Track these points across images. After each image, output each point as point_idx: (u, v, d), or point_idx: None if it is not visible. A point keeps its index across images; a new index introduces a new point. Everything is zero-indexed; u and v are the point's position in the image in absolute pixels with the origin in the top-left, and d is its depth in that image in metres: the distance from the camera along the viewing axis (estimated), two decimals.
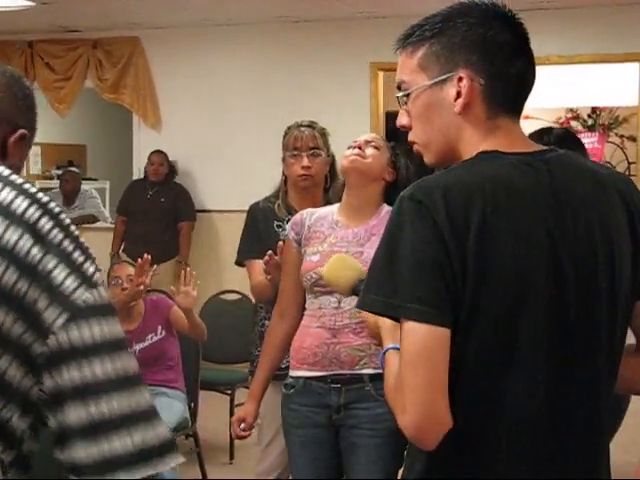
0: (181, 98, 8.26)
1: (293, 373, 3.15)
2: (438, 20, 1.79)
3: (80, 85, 8.45)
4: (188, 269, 4.44)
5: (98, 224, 8.49)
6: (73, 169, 9.39)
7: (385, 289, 1.58)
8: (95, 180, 10.79)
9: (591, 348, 1.66)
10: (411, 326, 1.54)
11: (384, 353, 1.76)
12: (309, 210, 3.29)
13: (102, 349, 1.33)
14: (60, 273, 1.32)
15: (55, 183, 9.48)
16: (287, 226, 3.30)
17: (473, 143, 1.70)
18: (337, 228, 3.16)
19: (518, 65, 1.70)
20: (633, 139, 8.52)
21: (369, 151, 3.17)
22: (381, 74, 7.88)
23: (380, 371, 2.98)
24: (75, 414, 1.31)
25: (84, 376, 1.31)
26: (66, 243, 1.35)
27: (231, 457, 5.60)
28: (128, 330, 4.66)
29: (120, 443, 1.32)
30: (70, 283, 1.32)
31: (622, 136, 9.65)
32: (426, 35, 1.80)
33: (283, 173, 3.79)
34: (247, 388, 4.14)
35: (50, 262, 1.32)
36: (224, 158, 8.09)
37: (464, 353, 1.58)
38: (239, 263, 3.85)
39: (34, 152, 10.37)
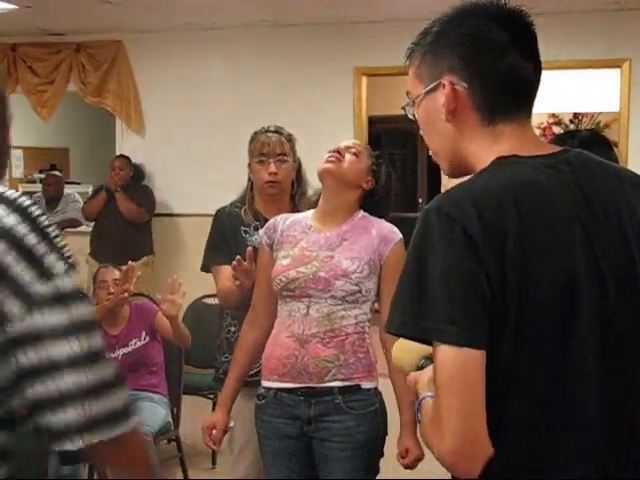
0: (164, 102, 8.24)
1: (264, 384, 3.11)
2: (431, 25, 1.74)
3: (63, 89, 8.42)
4: (175, 276, 4.43)
5: (81, 228, 8.46)
6: (56, 173, 9.36)
7: (415, 311, 1.49)
8: (78, 184, 10.75)
9: (638, 346, 1.60)
10: (444, 349, 1.46)
11: (420, 402, 1.68)
12: (284, 215, 3.26)
13: (58, 334, 1.40)
14: (17, 266, 1.39)
15: (38, 187, 9.45)
16: (261, 231, 3.25)
17: (481, 151, 1.65)
18: (309, 232, 3.13)
19: (506, 64, 1.63)
20: (614, 145, 8.55)
21: (347, 157, 3.13)
22: (365, 79, 7.88)
23: (349, 383, 3.00)
24: (34, 392, 1.41)
25: (40, 358, 1.39)
26: (29, 237, 1.41)
27: (213, 462, 5.60)
28: (112, 335, 4.66)
29: (75, 413, 1.42)
30: (26, 276, 1.39)
31: None
32: (421, 43, 1.74)
33: (249, 178, 3.75)
34: None
35: (8, 256, 1.39)
36: (207, 162, 8.07)
37: (510, 368, 1.50)
38: (205, 269, 3.77)
39: (16, 156, 10.33)
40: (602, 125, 9.62)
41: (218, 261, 3.64)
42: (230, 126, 8.01)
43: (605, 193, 1.62)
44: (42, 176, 9.67)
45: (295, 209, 3.43)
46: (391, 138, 11.45)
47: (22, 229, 1.41)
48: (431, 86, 1.69)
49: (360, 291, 3.01)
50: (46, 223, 1.45)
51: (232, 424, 3.31)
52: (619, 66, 7.29)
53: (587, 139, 3.17)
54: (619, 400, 1.59)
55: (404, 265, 1.55)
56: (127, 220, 7.55)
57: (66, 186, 9.19)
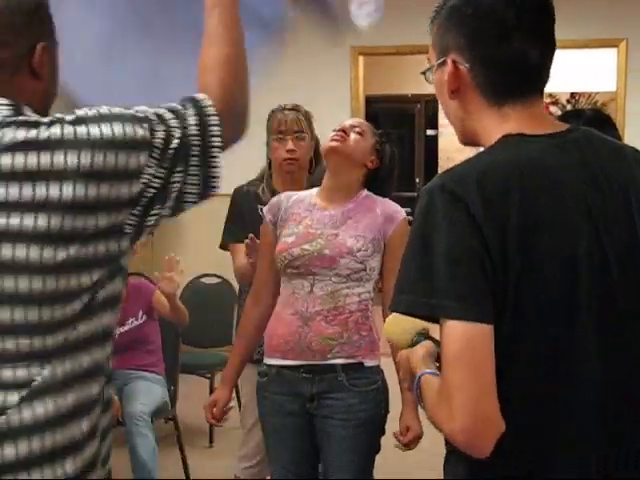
0: None
1: (267, 361, 3.13)
2: None
3: None
4: (172, 254, 4.44)
5: None
6: None
7: (420, 288, 1.49)
8: None
9: None
10: (452, 325, 1.45)
11: (419, 379, 1.66)
12: (287, 193, 3.27)
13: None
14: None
15: None
16: (264, 208, 3.27)
17: (488, 130, 1.64)
18: (314, 210, 3.14)
19: (509, 48, 1.60)
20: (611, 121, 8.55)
21: (352, 136, 3.14)
22: (362, 58, 7.87)
23: (352, 361, 3.02)
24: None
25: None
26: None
27: (211, 441, 5.62)
28: None
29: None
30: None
31: None
32: (436, 15, 1.70)
33: (267, 157, 3.78)
34: None
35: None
36: None
37: (511, 348, 1.49)
38: (223, 246, 3.85)
39: None
40: (599, 104, 9.61)
41: (235, 239, 3.69)
42: None
43: (610, 171, 1.61)
44: None
45: (313, 186, 3.45)
46: (388, 118, 11.44)
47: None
48: (439, 61, 1.68)
49: (365, 269, 3.03)
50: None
51: (233, 404, 3.33)
52: (616, 46, 7.28)
53: (591, 118, 3.17)
54: (622, 381, 1.57)
55: (408, 243, 1.54)
56: None
57: None
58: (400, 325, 1.82)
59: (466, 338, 1.45)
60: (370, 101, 9.01)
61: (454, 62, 1.65)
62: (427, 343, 1.77)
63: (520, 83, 1.63)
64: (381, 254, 3.07)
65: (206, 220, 8.09)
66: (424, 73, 1.75)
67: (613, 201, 1.59)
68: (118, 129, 1.48)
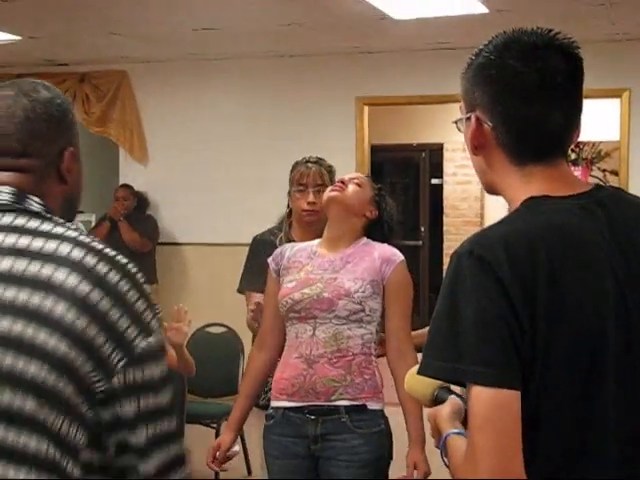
0: (168, 132, 8.29)
1: (273, 404, 3.19)
2: (476, 54, 1.69)
3: None
4: (181, 305, 4.45)
5: None
6: None
7: (448, 352, 1.49)
8: (81, 212, 10.76)
9: None
10: (479, 390, 1.45)
11: (445, 439, 1.66)
12: (291, 244, 3.38)
13: (151, 388, 1.51)
14: (124, 323, 1.48)
15: None
16: (269, 259, 3.34)
17: (513, 190, 1.63)
18: (314, 257, 3.23)
19: (530, 112, 1.60)
20: (615, 173, 8.58)
21: (351, 187, 3.26)
22: (366, 108, 7.93)
23: (355, 403, 3.05)
24: (133, 437, 1.50)
25: (136, 409, 1.49)
26: (130, 294, 1.50)
27: None
28: None
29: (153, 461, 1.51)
30: (131, 332, 1.48)
31: (604, 170, 9.74)
32: (467, 66, 1.71)
33: (288, 206, 3.85)
34: None
35: (116, 313, 1.47)
36: (211, 191, 8.10)
37: (538, 412, 1.50)
38: (240, 292, 3.95)
39: None
40: (603, 154, 9.66)
41: (251, 287, 3.80)
42: (232, 155, 8.05)
43: (635, 233, 1.61)
44: None
45: None
46: (393, 167, 11.50)
47: (124, 286, 1.50)
48: (465, 117, 1.69)
49: (363, 310, 3.09)
50: (142, 280, 1.54)
51: (237, 448, 3.34)
52: (619, 96, 7.33)
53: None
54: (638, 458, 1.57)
55: (437, 307, 1.55)
56: (130, 250, 7.57)
57: None
58: (421, 379, 1.80)
59: (493, 404, 1.45)
60: (375, 150, 9.06)
61: (478, 119, 1.65)
62: (453, 400, 1.76)
63: (542, 145, 1.63)
64: (381, 296, 3.14)
65: (211, 269, 8.14)
66: (456, 122, 1.74)
67: (637, 264, 1.58)
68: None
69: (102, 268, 1.49)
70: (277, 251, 3.33)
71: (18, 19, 6.50)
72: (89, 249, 1.51)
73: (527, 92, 1.60)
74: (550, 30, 1.65)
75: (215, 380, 5.86)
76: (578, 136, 1.70)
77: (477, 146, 1.66)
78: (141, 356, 1.48)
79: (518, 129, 1.62)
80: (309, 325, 3.11)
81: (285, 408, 3.13)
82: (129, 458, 1.49)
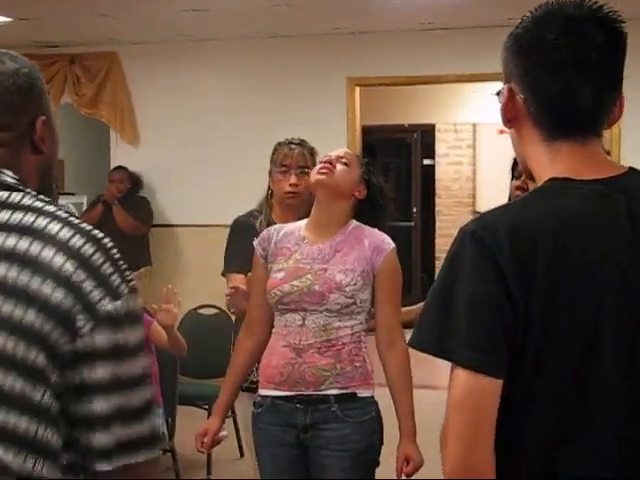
0: (159, 113, 8.26)
1: (261, 392, 3.15)
2: (516, 26, 1.64)
3: (58, 100, 8.42)
4: (170, 286, 4.44)
5: None
6: None
7: (438, 329, 1.49)
8: (72, 195, 10.73)
9: None
10: (460, 373, 1.46)
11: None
12: (277, 226, 3.30)
13: (118, 354, 1.47)
14: (88, 285, 1.46)
15: None
16: (255, 242, 3.28)
17: (539, 167, 1.61)
18: (303, 244, 3.15)
19: (559, 85, 1.56)
20: (607, 153, 8.58)
21: (339, 167, 3.16)
22: (358, 89, 7.91)
23: (345, 391, 3.03)
24: (97, 405, 1.46)
25: (103, 374, 1.46)
26: (95, 257, 1.48)
27: (208, 472, 5.59)
28: None
29: (109, 436, 1.46)
30: (96, 294, 1.46)
31: None
32: (505, 42, 1.66)
33: (269, 187, 3.80)
34: None
35: (80, 275, 1.45)
36: (202, 172, 8.08)
37: (528, 400, 1.49)
38: (223, 275, 3.91)
39: None
40: None
41: (231, 269, 3.77)
42: (224, 136, 8.03)
43: None
44: None
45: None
46: (385, 147, 11.47)
47: (89, 249, 1.48)
48: (500, 89, 1.66)
49: (355, 303, 3.04)
50: (110, 246, 1.52)
51: (224, 433, 3.33)
52: None
53: None
54: (638, 444, 1.54)
55: (435, 282, 1.55)
56: (124, 232, 7.55)
57: (60, 197, 9.15)
58: None
59: (470, 388, 1.46)
60: (367, 131, 9.04)
61: (510, 91, 1.63)
62: None
63: (570, 121, 1.59)
64: (371, 286, 3.09)
65: (204, 251, 8.12)
66: (497, 94, 1.69)
67: None
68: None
69: (66, 233, 1.48)
70: (263, 235, 3.26)
71: (8, 1, 6.46)
72: (50, 215, 1.50)
73: (557, 65, 1.56)
74: (595, 2, 1.59)
75: (207, 362, 5.85)
76: (619, 116, 1.64)
77: (510, 119, 1.64)
78: (106, 319, 1.45)
79: (547, 102, 1.59)
80: (298, 315, 3.06)
81: (273, 397, 3.09)
82: (87, 431, 1.46)
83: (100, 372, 1.45)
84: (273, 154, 3.79)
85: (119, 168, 7.97)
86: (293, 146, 3.75)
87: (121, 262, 1.52)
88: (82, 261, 1.46)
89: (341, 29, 7.57)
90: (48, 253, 1.45)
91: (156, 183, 8.24)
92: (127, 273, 1.52)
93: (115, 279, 1.49)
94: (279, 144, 3.80)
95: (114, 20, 7.16)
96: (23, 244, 1.46)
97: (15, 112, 1.59)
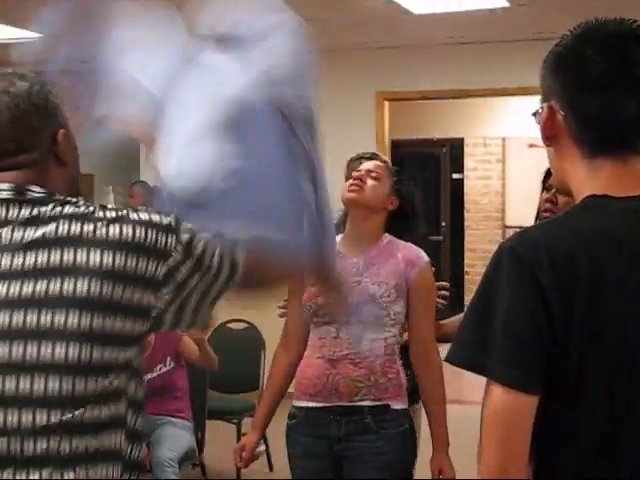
0: None
1: (295, 403, 3.16)
2: (557, 43, 1.62)
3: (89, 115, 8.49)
4: None
5: None
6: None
7: (475, 346, 1.48)
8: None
9: None
10: (496, 389, 1.45)
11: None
12: None
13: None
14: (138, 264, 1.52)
15: None
16: None
17: (578, 184, 1.59)
18: (338, 258, 3.13)
19: (603, 101, 1.54)
20: None
21: (369, 182, 3.16)
22: (387, 103, 7.91)
23: (379, 403, 3.03)
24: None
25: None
26: (152, 216, 1.58)
27: None
28: None
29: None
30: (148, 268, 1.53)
31: None
32: (545, 60, 1.65)
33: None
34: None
35: (129, 260, 1.51)
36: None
37: (569, 416, 1.48)
38: None
39: None
40: None
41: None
42: None
43: None
44: None
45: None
46: (414, 162, 11.46)
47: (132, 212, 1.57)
48: (540, 107, 1.64)
49: (388, 315, 3.06)
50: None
51: (262, 448, 3.33)
52: None
53: None
54: None
55: (472, 298, 1.54)
56: None
57: None
58: None
59: (505, 405, 1.45)
60: (396, 145, 9.03)
61: (550, 108, 1.61)
62: None
63: (613, 138, 1.57)
64: (405, 299, 3.09)
65: None
66: (534, 115, 1.68)
67: None
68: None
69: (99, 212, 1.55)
70: None
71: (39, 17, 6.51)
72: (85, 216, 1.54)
73: (601, 81, 1.54)
74: (635, 21, 1.58)
75: (236, 376, 5.86)
76: None
77: (549, 137, 1.62)
78: (188, 243, 1.55)
79: (588, 119, 1.56)
80: (332, 327, 3.08)
81: (308, 408, 3.10)
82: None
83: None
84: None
85: (138, 182, 8.00)
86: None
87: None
88: (143, 223, 1.54)
89: (370, 44, 7.58)
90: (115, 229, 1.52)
91: None
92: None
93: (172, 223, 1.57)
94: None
95: None
96: (85, 227, 1.52)
97: (37, 132, 1.61)
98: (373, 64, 7.77)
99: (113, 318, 1.48)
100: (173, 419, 4.75)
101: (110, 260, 1.48)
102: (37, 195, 1.55)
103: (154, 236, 1.53)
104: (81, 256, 1.47)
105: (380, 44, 7.59)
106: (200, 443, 5.05)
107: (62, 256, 1.47)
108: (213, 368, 4.82)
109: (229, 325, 6.24)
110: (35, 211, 1.53)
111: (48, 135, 1.62)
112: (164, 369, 4.74)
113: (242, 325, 6.19)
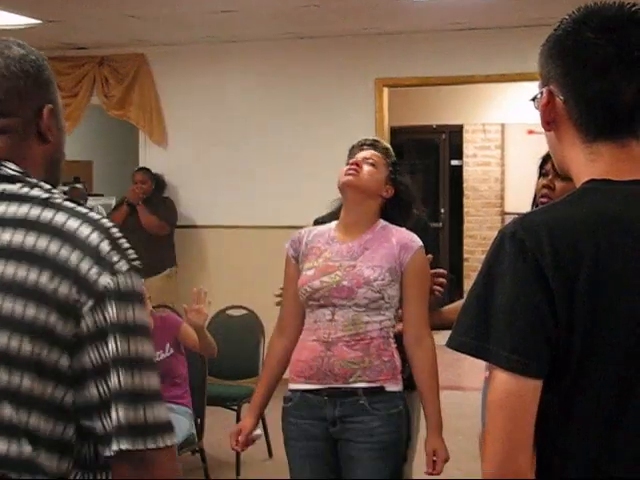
0: (187, 115, 8.29)
1: (291, 386, 3.20)
2: (556, 26, 1.62)
3: (86, 102, 8.49)
4: (200, 287, 4.46)
5: None
6: (78, 185, 9.42)
7: (477, 331, 1.48)
8: (101, 196, 10.82)
9: None
10: (500, 374, 1.45)
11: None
12: (308, 228, 3.35)
13: (123, 331, 1.43)
14: (84, 265, 1.43)
15: None
16: (287, 244, 3.31)
17: (578, 168, 1.59)
18: (332, 243, 3.21)
19: (602, 85, 1.54)
20: None
21: (365, 168, 3.22)
22: (386, 90, 7.90)
23: (373, 385, 3.06)
24: (94, 390, 1.43)
25: (104, 354, 1.43)
26: (92, 237, 1.45)
27: (237, 473, 5.60)
28: None
29: (121, 414, 1.42)
30: (94, 272, 1.43)
31: None
32: (545, 41, 1.64)
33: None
34: None
35: (76, 258, 1.43)
36: (230, 173, 8.10)
37: (571, 404, 1.47)
38: None
39: None
40: None
41: None
42: (252, 138, 8.05)
43: None
44: (65, 189, 9.73)
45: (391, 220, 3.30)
46: (413, 148, 11.46)
47: (84, 230, 1.45)
48: (539, 92, 1.64)
49: (382, 298, 3.10)
50: (109, 225, 1.49)
51: (259, 432, 3.36)
52: None
53: None
54: None
55: (473, 283, 1.54)
56: (149, 233, 7.59)
57: (90, 198, 9.24)
58: None
59: (508, 389, 1.45)
60: (395, 132, 9.03)
61: (550, 93, 1.60)
62: None
63: (611, 121, 1.57)
64: (399, 282, 3.14)
65: (231, 252, 8.15)
66: (533, 100, 1.68)
67: None
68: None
69: (60, 218, 1.46)
70: (295, 237, 3.29)
71: (37, 2, 6.50)
72: (42, 203, 1.49)
73: (600, 64, 1.54)
74: (634, 5, 1.57)
75: (236, 362, 5.87)
76: None
77: (549, 121, 1.62)
78: (105, 295, 1.42)
79: (588, 102, 1.56)
80: (328, 310, 3.11)
81: (303, 390, 3.14)
82: (100, 413, 1.42)
83: (107, 349, 1.41)
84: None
85: (142, 169, 8.01)
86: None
87: (122, 241, 1.49)
88: (77, 244, 1.44)
89: (369, 30, 7.56)
90: (42, 242, 1.43)
91: (183, 184, 8.26)
92: (129, 252, 1.49)
93: (113, 256, 1.45)
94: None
95: (142, 22, 7.20)
96: (18, 237, 1.44)
97: (21, 98, 1.57)
98: (372, 51, 7.76)
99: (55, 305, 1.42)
100: (173, 405, 4.75)
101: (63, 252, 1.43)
102: (10, 172, 1.52)
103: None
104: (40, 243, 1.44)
105: (379, 30, 7.57)
106: (200, 429, 5.07)
107: (13, 238, 1.44)
108: (212, 355, 4.83)
109: (228, 312, 6.25)
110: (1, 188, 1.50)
111: (33, 106, 1.58)
112: (163, 356, 4.74)
113: (241, 312, 6.20)
